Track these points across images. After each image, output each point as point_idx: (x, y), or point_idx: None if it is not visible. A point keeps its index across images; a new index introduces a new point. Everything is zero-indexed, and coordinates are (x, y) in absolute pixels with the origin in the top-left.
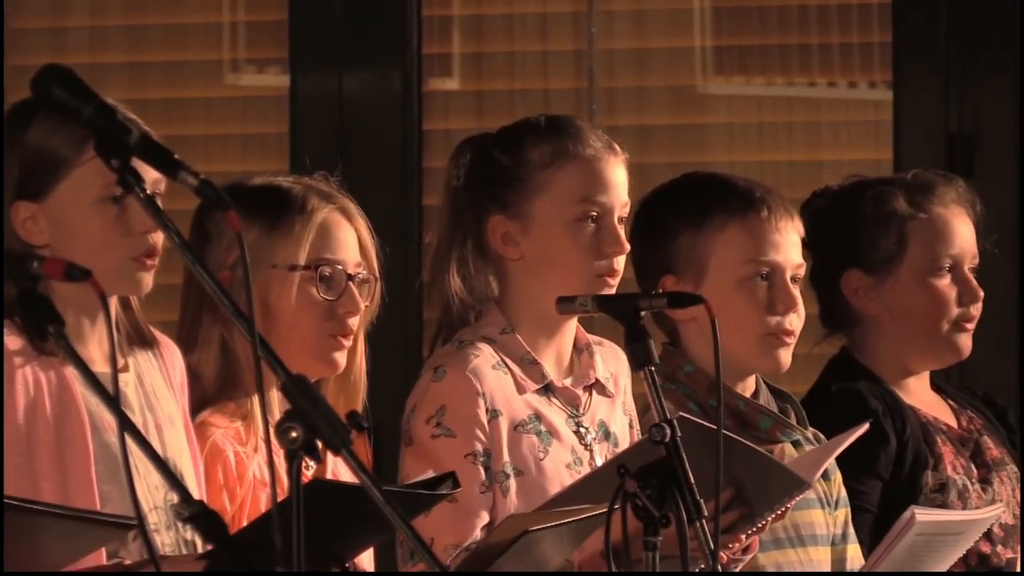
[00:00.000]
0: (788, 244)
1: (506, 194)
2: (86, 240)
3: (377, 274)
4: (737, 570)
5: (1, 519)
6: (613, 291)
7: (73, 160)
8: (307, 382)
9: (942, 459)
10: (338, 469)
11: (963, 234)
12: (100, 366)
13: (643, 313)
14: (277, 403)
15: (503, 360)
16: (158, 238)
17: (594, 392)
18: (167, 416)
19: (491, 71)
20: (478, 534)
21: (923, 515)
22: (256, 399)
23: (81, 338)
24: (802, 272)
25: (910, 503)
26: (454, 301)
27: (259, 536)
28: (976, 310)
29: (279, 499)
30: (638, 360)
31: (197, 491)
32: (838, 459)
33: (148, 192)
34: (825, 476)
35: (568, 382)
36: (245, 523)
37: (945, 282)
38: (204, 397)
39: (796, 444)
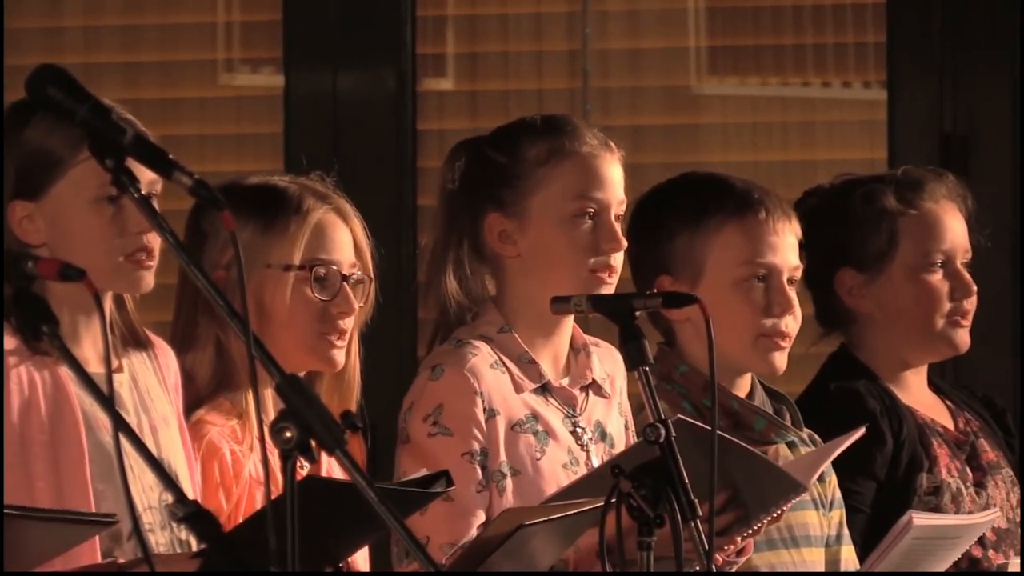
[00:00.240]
0: (785, 246)
1: (503, 192)
2: (82, 239)
3: (372, 275)
4: (731, 571)
5: (1, 520)
6: (611, 289)
7: (70, 160)
8: (301, 382)
9: (937, 462)
10: (332, 469)
11: (954, 229)
12: (94, 366)
13: (638, 313)
14: (272, 402)
15: (501, 359)
16: (154, 238)
17: (591, 393)
18: (161, 417)
19: (485, 71)
20: (474, 533)
21: (920, 519)
22: (251, 397)
23: (76, 338)
24: (799, 274)
25: (904, 505)
26: (451, 304)
27: (253, 534)
28: (970, 304)
29: (273, 497)
30: (632, 360)
31: (191, 492)
32: (834, 459)
33: (144, 192)
34: (820, 477)
35: (565, 382)
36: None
37: (937, 277)
38: (199, 397)
39: (791, 445)
